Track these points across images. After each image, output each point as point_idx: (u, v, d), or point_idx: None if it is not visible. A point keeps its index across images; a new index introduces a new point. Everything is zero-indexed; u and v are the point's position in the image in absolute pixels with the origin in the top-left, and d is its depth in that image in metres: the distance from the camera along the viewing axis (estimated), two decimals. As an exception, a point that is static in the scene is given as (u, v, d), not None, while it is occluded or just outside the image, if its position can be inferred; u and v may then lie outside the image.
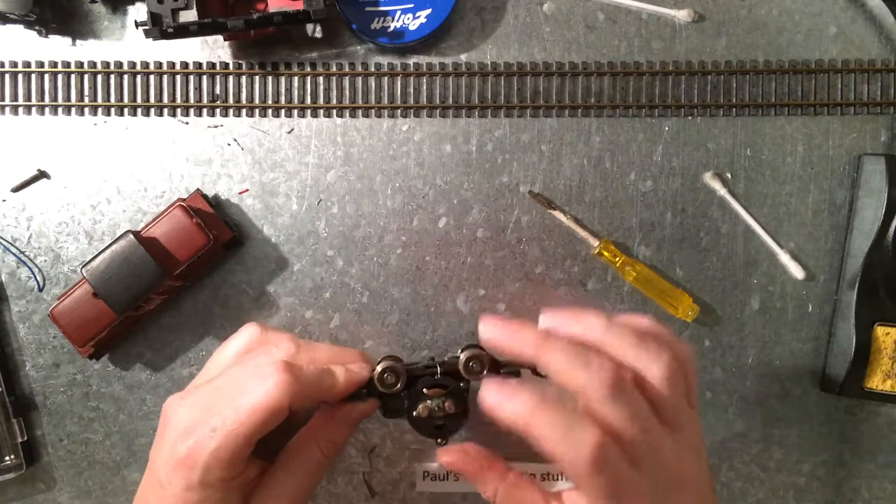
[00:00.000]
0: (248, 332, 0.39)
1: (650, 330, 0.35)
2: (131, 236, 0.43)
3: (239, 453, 0.34)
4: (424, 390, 0.38)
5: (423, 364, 0.39)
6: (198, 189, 0.47)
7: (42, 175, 0.48)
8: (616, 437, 0.31)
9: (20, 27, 0.47)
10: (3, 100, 0.47)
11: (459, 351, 0.39)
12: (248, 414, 0.34)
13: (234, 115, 0.48)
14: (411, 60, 0.49)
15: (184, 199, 0.46)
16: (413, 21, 0.47)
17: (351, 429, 0.40)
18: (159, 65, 0.48)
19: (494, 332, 0.34)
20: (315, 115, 0.48)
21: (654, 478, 0.32)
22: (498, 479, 0.37)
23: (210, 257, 0.46)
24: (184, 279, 0.47)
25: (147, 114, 0.48)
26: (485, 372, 0.38)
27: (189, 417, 0.35)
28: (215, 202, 0.48)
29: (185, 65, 0.48)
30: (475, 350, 0.39)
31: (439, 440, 0.39)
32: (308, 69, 0.48)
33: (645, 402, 0.32)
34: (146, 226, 0.45)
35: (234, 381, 0.36)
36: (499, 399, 0.32)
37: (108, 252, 0.43)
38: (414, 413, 0.38)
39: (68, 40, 0.48)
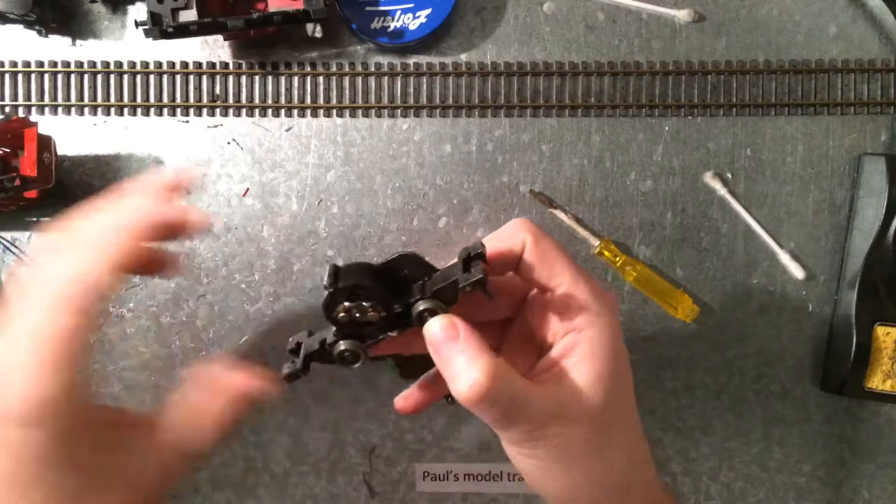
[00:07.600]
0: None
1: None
2: None
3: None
4: None
5: None
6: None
7: (42, 175, 0.48)
8: None
9: (20, 27, 0.47)
10: (3, 100, 0.47)
11: None
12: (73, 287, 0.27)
13: (233, 115, 0.48)
14: (411, 60, 0.49)
15: None
16: (413, 21, 0.47)
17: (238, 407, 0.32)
18: (159, 65, 0.48)
19: None
20: (315, 115, 0.48)
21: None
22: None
23: None
24: None
25: (147, 114, 0.48)
26: None
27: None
28: None
29: (185, 65, 0.48)
30: None
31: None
32: (308, 69, 0.48)
33: None
34: None
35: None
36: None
37: None
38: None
39: (68, 40, 0.48)
